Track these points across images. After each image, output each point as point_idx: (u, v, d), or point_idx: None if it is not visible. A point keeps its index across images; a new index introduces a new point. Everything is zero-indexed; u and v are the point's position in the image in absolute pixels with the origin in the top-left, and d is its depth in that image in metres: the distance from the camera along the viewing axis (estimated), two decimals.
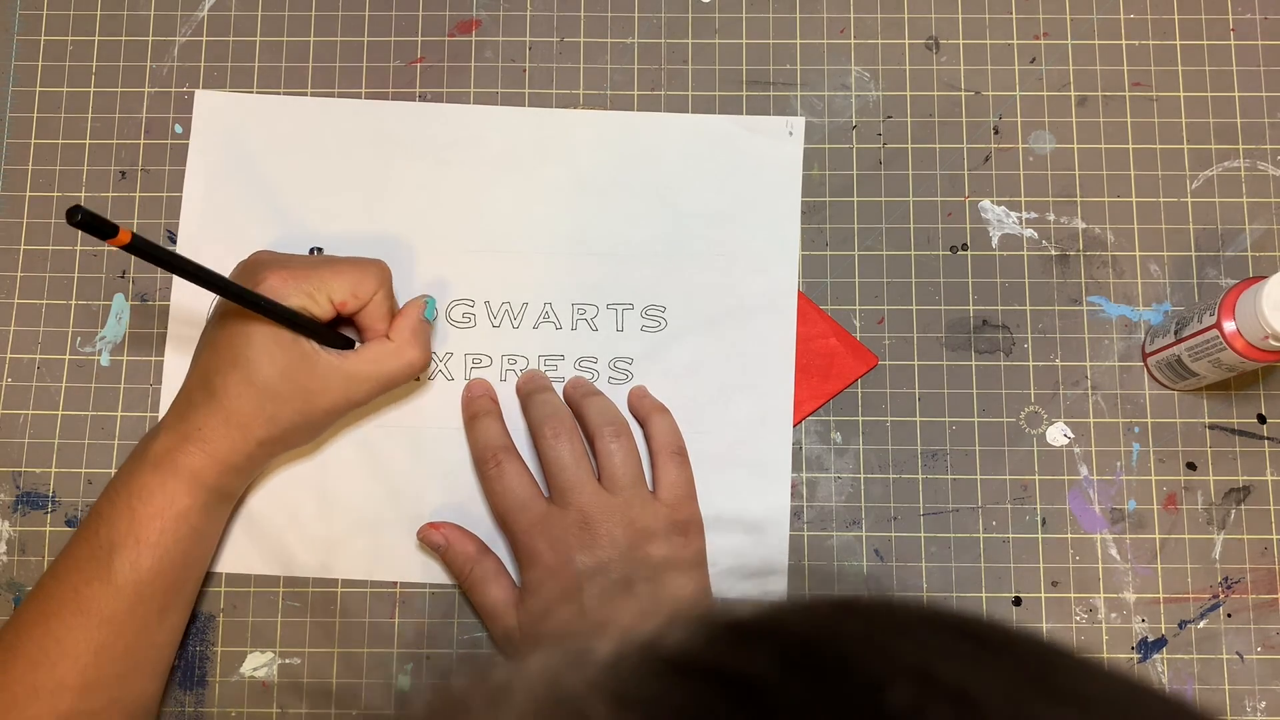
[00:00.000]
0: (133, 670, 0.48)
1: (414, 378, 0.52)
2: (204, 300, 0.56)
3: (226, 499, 0.50)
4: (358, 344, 0.51)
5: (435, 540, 0.52)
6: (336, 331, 0.50)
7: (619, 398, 0.55)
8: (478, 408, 0.53)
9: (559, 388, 0.55)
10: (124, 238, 0.39)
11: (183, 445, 0.48)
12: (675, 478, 0.51)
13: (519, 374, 0.55)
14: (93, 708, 0.46)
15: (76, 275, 0.57)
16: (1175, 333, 0.52)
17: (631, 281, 0.56)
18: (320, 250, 0.55)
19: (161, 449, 0.48)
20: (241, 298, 0.46)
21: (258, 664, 0.53)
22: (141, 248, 0.41)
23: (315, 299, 0.48)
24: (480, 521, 0.54)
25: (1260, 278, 0.47)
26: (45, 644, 0.46)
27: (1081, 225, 0.56)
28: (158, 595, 0.47)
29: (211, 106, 0.58)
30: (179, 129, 0.58)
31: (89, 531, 0.48)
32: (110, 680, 0.47)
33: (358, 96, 0.58)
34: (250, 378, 0.47)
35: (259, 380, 0.47)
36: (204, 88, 0.58)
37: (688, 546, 0.50)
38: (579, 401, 0.53)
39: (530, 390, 0.54)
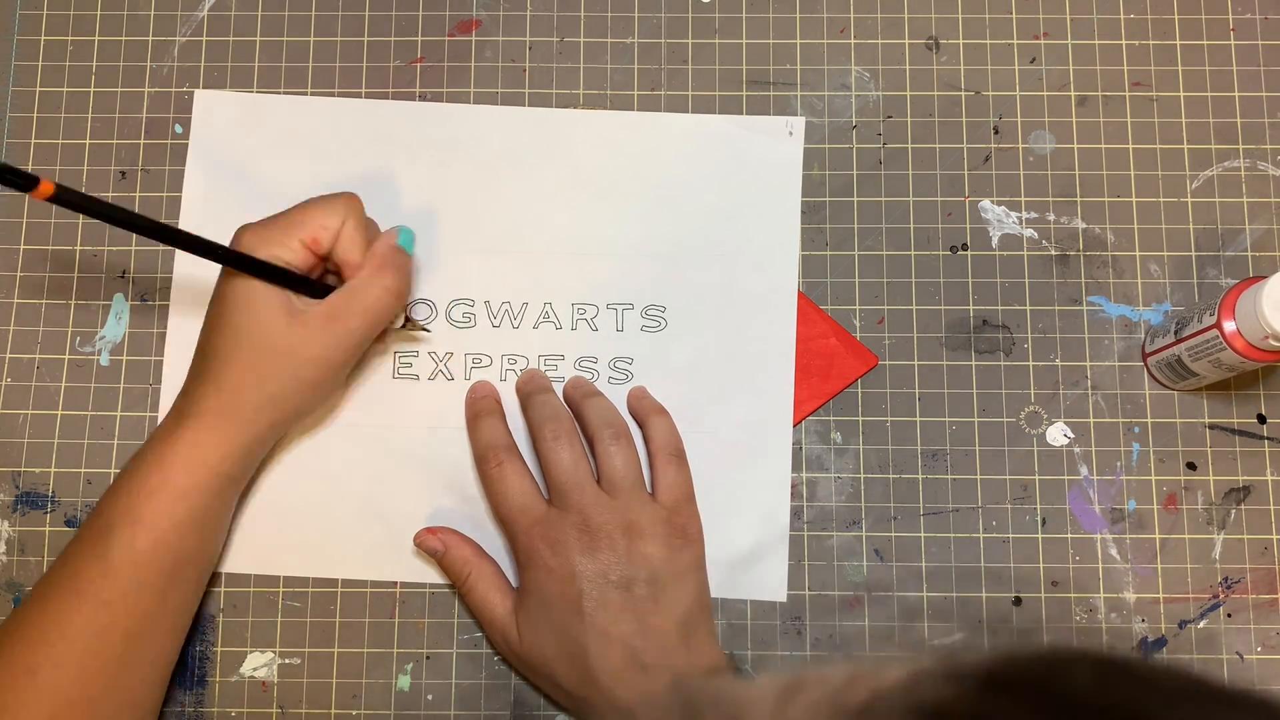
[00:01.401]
0: (133, 655, 0.47)
1: (397, 307, 0.50)
2: (203, 302, 0.56)
3: (229, 481, 0.49)
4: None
5: (433, 545, 0.52)
6: (314, 281, 0.49)
7: (619, 398, 0.55)
8: (481, 407, 0.53)
9: (559, 387, 0.55)
10: (46, 189, 0.37)
11: (182, 422, 0.47)
12: (674, 480, 0.51)
13: (519, 374, 0.55)
14: (90, 692, 0.46)
15: (76, 275, 0.57)
16: (1175, 333, 0.52)
17: (631, 281, 0.56)
18: None
19: (163, 430, 0.48)
20: (204, 250, 0.45)
21: (258, 664, 0.53)
22: (68, 198, 0.39)
23: (286, 245, 0.47)
24: (479, 523, 0.54)
25: (1260, 278, 0.47)
26: (43, 625, 0.46)
27: (1081, 225, 0.56)
28: (155, 578, 0.47)
29: (211, 106, 0.58)
30: (179, 129, 0.58)
31: (94, 515, 0.48)
32: (109, 664, 0.46)
33: (358, 96, 0.58)
34: (235, 338, 0.47)
35: (243, 339, 0.47)
36: (204, 88, 0.58)
37: (687, 548, 0.50)
38: (579, 402, 0.53)
39: (530, 391, 0.54)
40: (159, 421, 0.54)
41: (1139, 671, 0.20)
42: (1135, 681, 0.19)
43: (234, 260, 0.46)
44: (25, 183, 0.37)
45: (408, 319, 0.54)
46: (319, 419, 0.55)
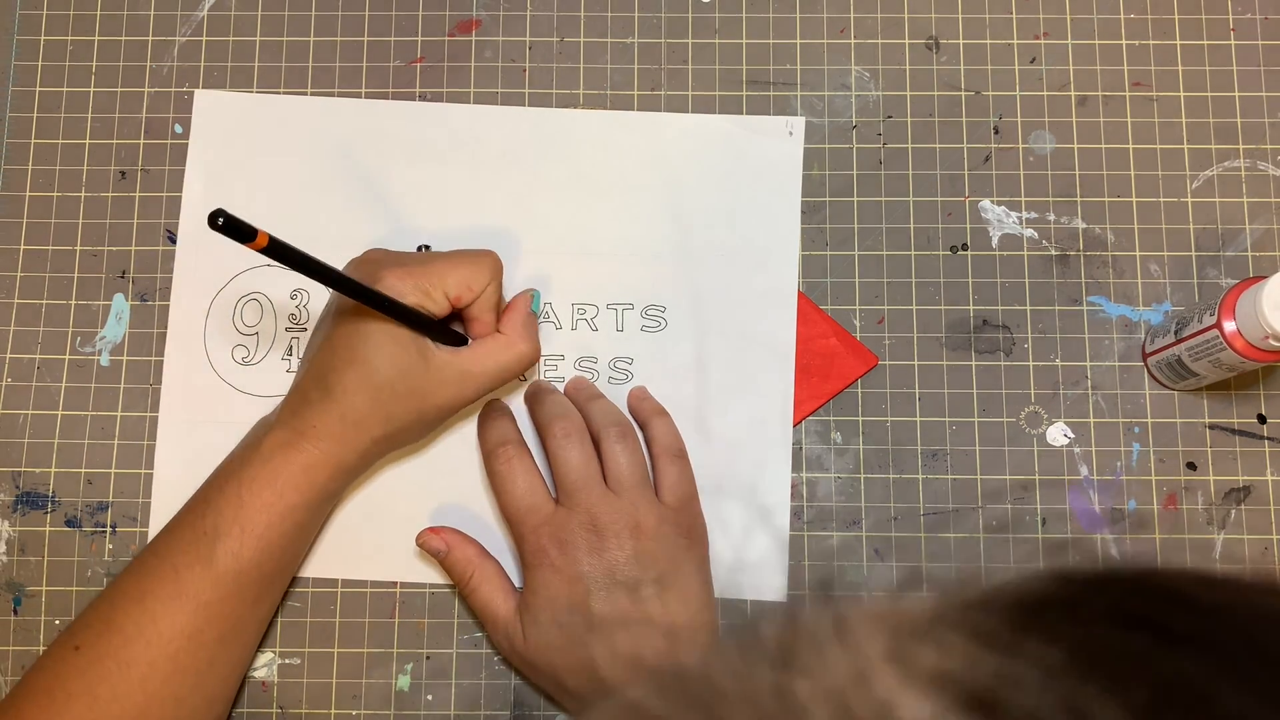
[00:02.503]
0: (221, 657, 0.48)
1: (525, 371, 0.52)
2: (203, 301, 0.56)
3: (332, 498, 0.51)
4: (470, 340, 0.51)
5: (435, 546, 0.52)
6: (450, 329, 0.50)
7: (619, 398, 0.55)
8: (492, 407, 0.54)
9: (560, 388, 0.55)
10: (262, 240, 0.40)
11: (297, 442, 0.48)
12: (676, 479, 0.51)
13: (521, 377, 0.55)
14: (178, 691, 0.47)
15: (76, 275, 0.57)
16: (1175, 333, 0.52)
17: (631, 281, 0.56)
18: (428, 247, 0.55)
19: (275, 443, 0.48)
20: (364, 295, 0.46)
21: (257, 664, 0.53)
22: (278, 250, 0.41)
23: (431, 296, 0.48)
24: (481, 523, 0.54)
25: (1260, 278, 0.47)
26: (141, 621, 0.46)
27: (1081, 225, 0.56)
28: (254, 586, 0.48)
29: (211, 106, 0.58)
30: (179, 129, 0.58)
31: (194, 516, 0.48)
32: (200, 665, 0.47)
33: (358, 96, 0.58)
34: (368, 376, 0.47)
35: (376, 379, 0.47)
36: (204, 88, 0.58)
37: (693, 548, 0.50)
38: (583, 404, 0.53)
39: (537, 391, 0.54)
40: (270, 415, 0.51)
41: (1236, 579, 0.20)
42: (1231, 585, 0.20)
43: (390, 308, 0.46)
44: (244, 235, 0.39)
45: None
46: None
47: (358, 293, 0.45)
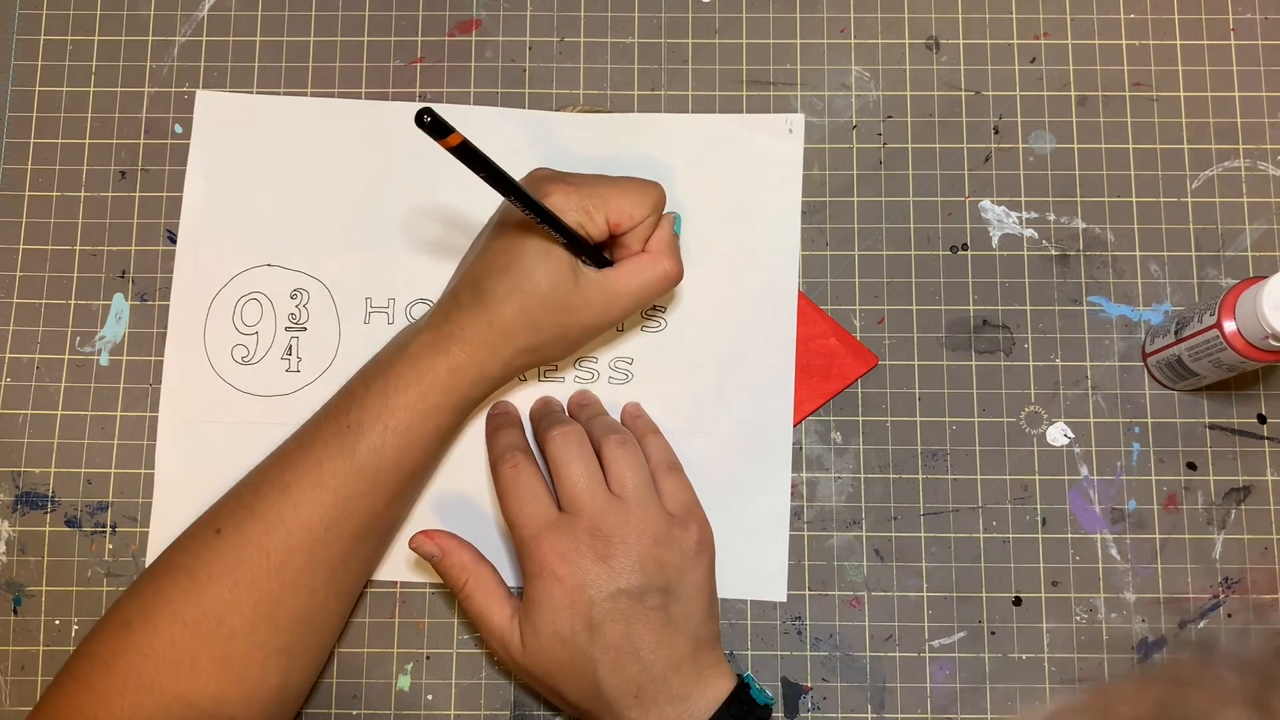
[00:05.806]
0: (355, 553, 0.49)
1: (670, 289, 0.52)
2: (203, 301, 0.56)
3: (473, 405, 0.52)
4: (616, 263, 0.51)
5: (429, 550, 0.51)
6: (603, 254, 0.51)
7: (619, 398, 0.55)
8: (502, 421, 0.54)
9: (563, 400, 0.55)
10: (455, 140, 0.42)
11: (445, 344, 0.49)
12: (676, 489, 0.51)
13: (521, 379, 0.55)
14: (313, 581, 0.48)
15: (76, 275, 0.57)
16: (1175, 333, 0.52)
17: None
18: None
19: (423, 344, 0.49)
20: (533, 207, 0.46)
21: None
22: (467, 152, 0.43)
23: (593, 217, 0.49)
24: (481, 524, 0.54)
25: (1260, 278, 0.47)
26: (283, 510, 0.48)
27: (1081, 225, 0.56)
28: (392, 484, 0.49)
29: (211, 106, 0.58)
30: (179, 129, 0.58)
31: (339, 410, 0.49)
32: (335, 558, 0.48)
33: (358, 96, 0.58)
34: (520, 284, 0.48)
35: (528, 288, 0.48)
36: (204, 88, 0.58)
37: (701, 556, 0.49)
38: (586, 422, 0.53)
39: (541, 408, 0.54)
40: (420, 319, 0.53)
41: None
42: None
43: (552, 222, 0.47)
44: (441, 131, 0.41)
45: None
46: None
47: (528, 203, 0.46)
